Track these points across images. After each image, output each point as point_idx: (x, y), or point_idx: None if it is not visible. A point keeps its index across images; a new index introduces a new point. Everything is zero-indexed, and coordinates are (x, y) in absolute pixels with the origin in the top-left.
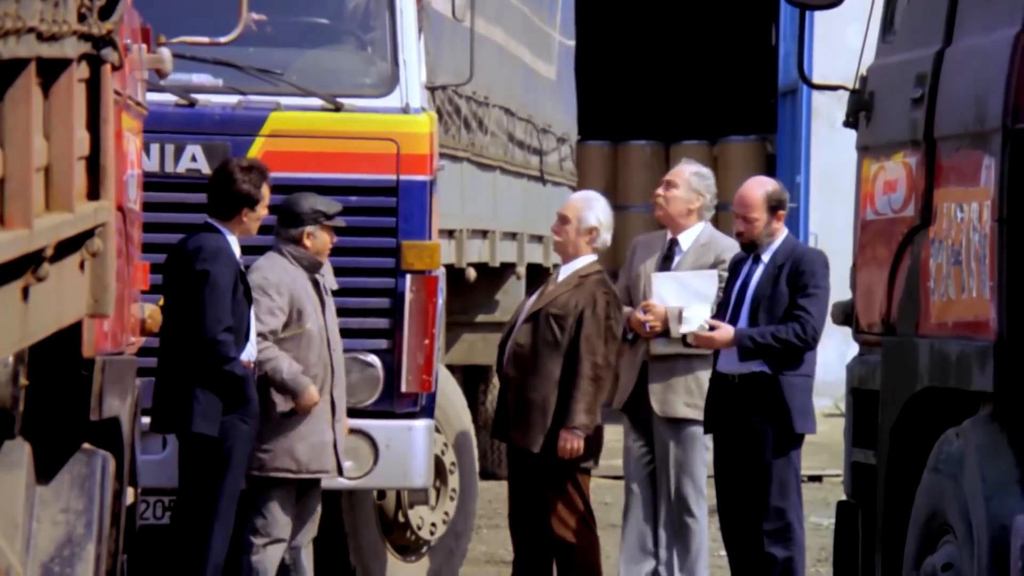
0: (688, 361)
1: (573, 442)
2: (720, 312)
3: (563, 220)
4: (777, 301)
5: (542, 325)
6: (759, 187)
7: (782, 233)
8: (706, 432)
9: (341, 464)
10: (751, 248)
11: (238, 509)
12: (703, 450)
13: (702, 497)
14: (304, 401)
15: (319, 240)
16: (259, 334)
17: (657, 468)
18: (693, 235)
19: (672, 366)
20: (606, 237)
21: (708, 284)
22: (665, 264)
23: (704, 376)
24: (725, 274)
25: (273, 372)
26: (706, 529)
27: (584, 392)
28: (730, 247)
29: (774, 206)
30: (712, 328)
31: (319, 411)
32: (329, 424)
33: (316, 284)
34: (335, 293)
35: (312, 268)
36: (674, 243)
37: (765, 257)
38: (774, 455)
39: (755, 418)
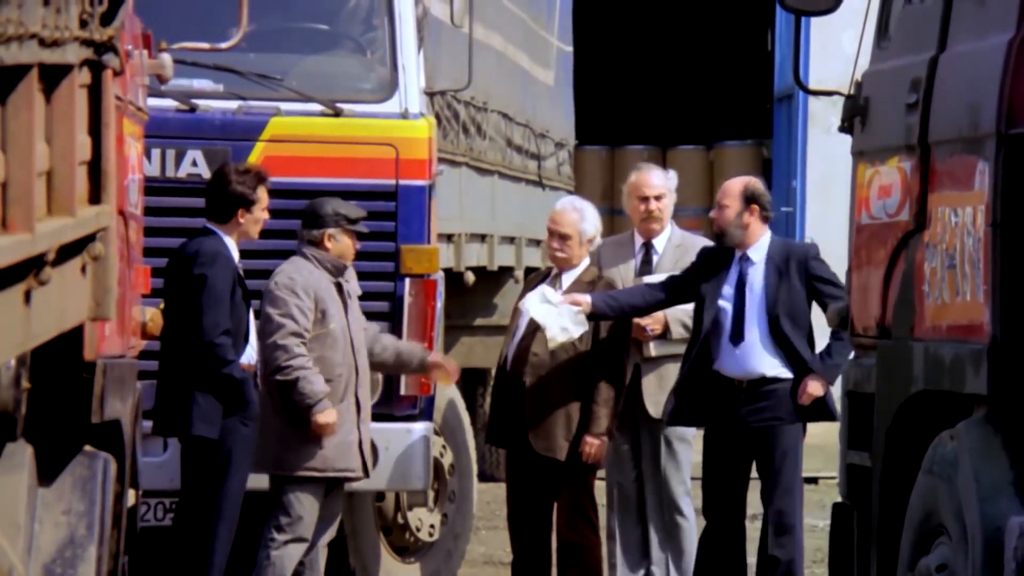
0: (677, 361)
1: (598, 447)
2: (709, 313)
3: (564, 238)
4: (794, 300)
5: None
6: (739, 180)
7: (765, 233)
8: (695, 426)
9: (367, 464)
10: (720, 238)
11: (247, 509)
12: (689, 450)
13: (689, 496)
14: (321, 420)
15: (341, 243)
16: (294, 334)
17: (644, 469)
18: (665, 237)
19: (662, 367)
20: (599, 240)
21: None
22: (645, 268)
23: None
24: None
25: (303, 385)
26: (695, 528)
27: (606, 397)
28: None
29: (749, 198)
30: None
31: (345, 411)
32: (354, 424)
33: (340, 288)
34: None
35: (335, 272)
36: (648, 246)
37: (755, 256)
38: (784, 458)
39: (765, 420)
